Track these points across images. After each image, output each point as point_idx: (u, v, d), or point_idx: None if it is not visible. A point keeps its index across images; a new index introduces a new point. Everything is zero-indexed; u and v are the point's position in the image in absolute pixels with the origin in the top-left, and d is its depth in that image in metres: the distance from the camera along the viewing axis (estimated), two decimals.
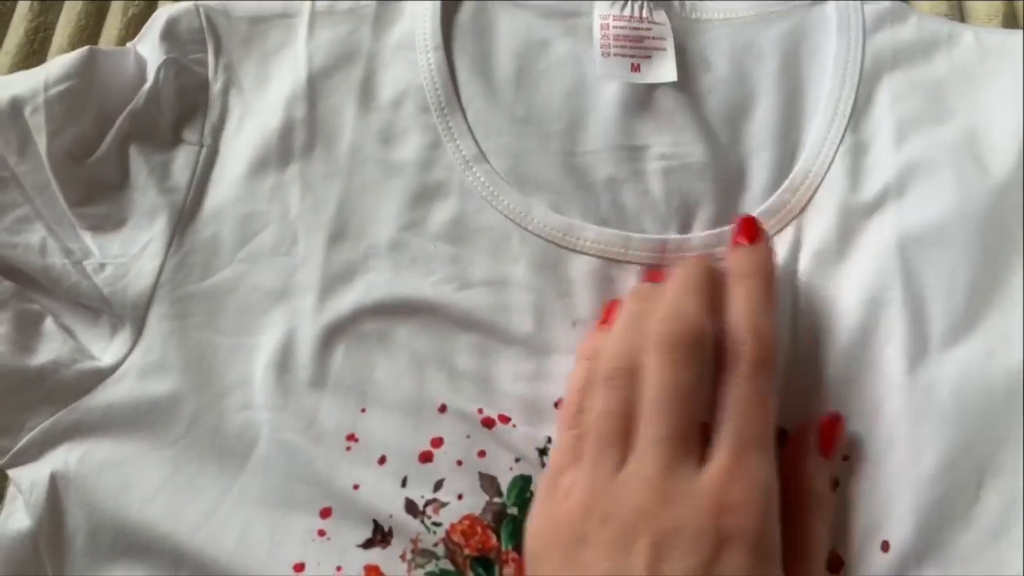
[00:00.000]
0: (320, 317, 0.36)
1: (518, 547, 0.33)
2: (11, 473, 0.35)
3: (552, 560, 0.30)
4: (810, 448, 0.33)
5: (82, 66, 0.36)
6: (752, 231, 0.35)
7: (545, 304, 0.36)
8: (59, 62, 0.37)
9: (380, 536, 0.33)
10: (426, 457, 0.35)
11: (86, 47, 0.37)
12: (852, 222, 0.36)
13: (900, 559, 0.32)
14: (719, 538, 0.28)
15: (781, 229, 0.36)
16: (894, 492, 0.33)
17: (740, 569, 0.28)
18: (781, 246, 0.36)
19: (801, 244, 0.36)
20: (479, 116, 0.38)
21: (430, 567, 0.33)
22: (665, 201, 0.37)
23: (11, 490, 0.35)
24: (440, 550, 0.33)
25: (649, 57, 0.38)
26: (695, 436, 0.30)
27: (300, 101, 0.37)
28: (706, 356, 0.31)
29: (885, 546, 0.33)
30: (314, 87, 0.37)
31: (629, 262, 0.36)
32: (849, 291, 0.35)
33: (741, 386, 0.30)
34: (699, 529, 0.28)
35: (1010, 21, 0.41)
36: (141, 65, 0.37)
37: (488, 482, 0.34)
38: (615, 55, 0.38)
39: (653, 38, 0.38)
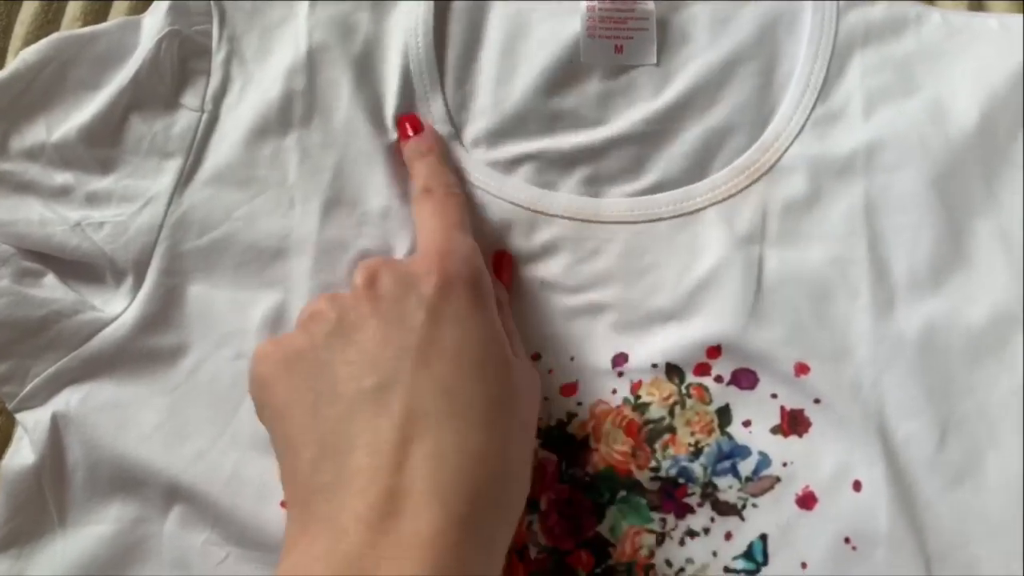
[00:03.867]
0: (315, 276, 0.37)
1: None
2: (18, 416, 0.36)
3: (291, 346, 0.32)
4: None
5: (52, 52, 0.38)
6: (415, 125, 0.39)
7: (519, 264, 0.38)
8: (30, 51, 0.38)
9: None
10: None
11: (53, 35, 0.39)
12: (820, 183, 0.38)
13: (870, 498, 0.33)
14: (441, 281, 0.31)
15: (749, 185, 0.38)
16: (862, 436, 0.34)
17: (465, 302, 0.31)
18: (750, 202, 0.38)
19: (769, 201, 0.38)
20: (464, 98, 0.40)
21: None
22: (638, 168, 0.39)
23: (18, 430, 0.37)
24: None
25: (632, 39, 0.40)
26: None
27: (300, 73, 0.39)
28: None
29: (856, 485, 0.34)
30: (313, 60, 0.39)
31: (600, 222, 0.38)
32: (817, 248, 0.37)
33: (438, 198, 0.36)
34: (422, 272, 0.32)
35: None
36: (145, 35, 0.39)
37: None
38: (600, 36, 0.40)
39: (636, 18, 0.40)
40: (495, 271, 0.37)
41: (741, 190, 0.38)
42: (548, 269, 0.37)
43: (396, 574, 0.26)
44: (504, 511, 0.30)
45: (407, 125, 0.39)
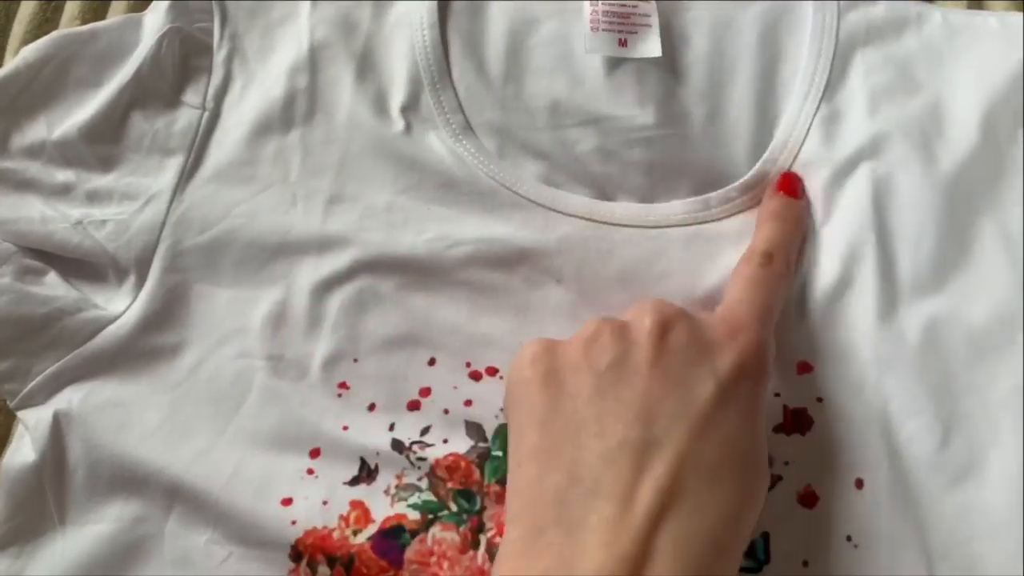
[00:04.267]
0: (317, 272, 0.37)
1: (500, 481, 0.35)
2: (19, 414, 0.36)
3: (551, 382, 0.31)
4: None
5: (52, 50, 0.38)
6: (791, 186, 0.37)
7: (532, 263, 0.37)
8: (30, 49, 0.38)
9: (366, 473, 0.35)
10: (414, 406, 0.36)
11: (54, 33, 0.39)
12: (829, 185, 0.38)
13: (872, 496, 0.33)
14: (736, 362, 0.30)
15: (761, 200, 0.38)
16: (866, 433, 0.34)
17: (750, 398, 0.30)
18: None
19: None
20: (470, 92, 0.40)
21: (413, 499, 0.34)
22: (649, 171, 0.39)
23: (19, 428, 0.37)
24: (423, 483, 0.34)
25: (635, 33, 0.40)
26: None
27: (302, 72, 0.39)
28: None
29: (859, 484, 0.34)
30: (315, 58, 0.39)
31: (615, 224, 0.38)
32: (829, 248, 0.37)
33: (766, 273, 0.34)
34: (715, 344, 0.31)
35: None
36: (147, 33, 0.39)
37: (474, 429, 0.36)
38: (604, 30, 0.40)
39: (640, 14, 0.40)
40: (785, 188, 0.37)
41: (756, 204, 0.38)
42: (560, 268, 0.37)
43: None
44: None
45: (785, 183, 0.37)
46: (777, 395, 0.35)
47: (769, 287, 0.34)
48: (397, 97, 0.39)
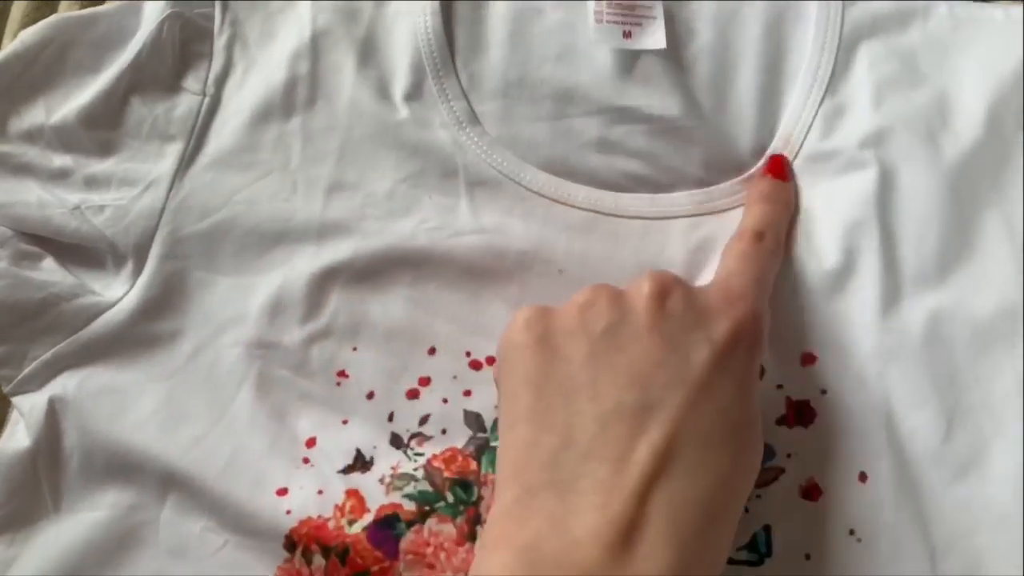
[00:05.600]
0: (316, 260, 0.37)
1: None
2: (14, 399, 0.36)
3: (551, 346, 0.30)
4: None
5: (51, 33, 0.38)
6: (779, 168, 0.37)
7: (534, 253, 0.37)
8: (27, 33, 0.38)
9: (361, 464, 0.34)
10: (413, 394, 0.36)
11: (53, 16, 0.38)
12: (832, 177, 0.37)
13: (876, 490, 0.33)
14: (732, 327, 0.30)
15: None
16: (869, 426, 0.34)
17: (746, 363, 0.30)
18: None
19: None
20: (473, 79, 0.39)
21: (408, 489, 0.34)
22: (653, 162, 0.39)
23: (14, 414, 0.36)
24: (419, 473, 0.34)
25: (640, 24, 0.40)
26: None
27: (303, 58, 0.39)
28: None
29: (862, 477, 0.34)
30: (317, 45, 0.39)
31: (619, 216, 0.38)
32: (830, 240, 0.36)
33: (757, 251, 0.34)
34: (713, 310, 0.30)
35: None
36: (146, 18, 0.39)
37: (472, 418, 0.36)
38: (608, 22, 0.40)
39: (644, 5, 0.40)
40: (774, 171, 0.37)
41: None
42: (562, 258, 0.37)
43: None
44: (717, 570, 0.29)
45: (773, 165, 0.38)
46: (780, 387, 0.35)
47: (761, 262, 0.34)
48: (400, 84, 0.39)
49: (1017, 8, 0.39)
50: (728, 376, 0.29)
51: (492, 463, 0.35)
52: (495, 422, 0.35)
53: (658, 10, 0.40)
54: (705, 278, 0.36)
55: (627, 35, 0.40)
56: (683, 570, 0.26)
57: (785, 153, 0.38)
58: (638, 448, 0.28)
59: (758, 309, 0.32)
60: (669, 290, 0.31)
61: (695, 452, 0.28)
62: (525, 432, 0.29)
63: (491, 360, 0.36)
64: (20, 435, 0.35)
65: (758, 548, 0.33)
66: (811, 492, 0.34)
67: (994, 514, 0.33)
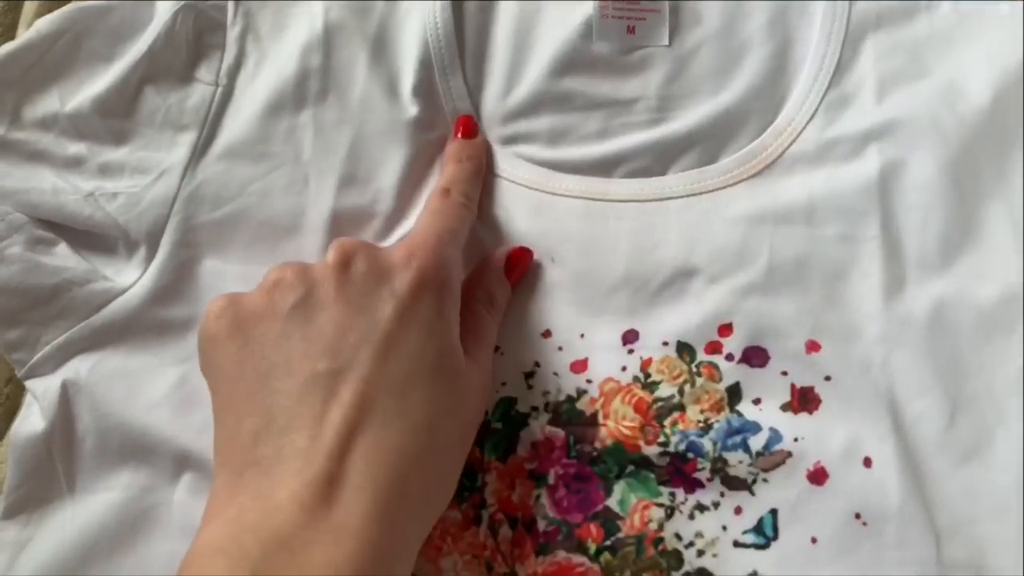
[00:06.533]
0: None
1: (500, 457, 0.35)
2: (28, 383, 0.36)
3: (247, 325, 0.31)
4: (496, 264, 0.37)
5: (66, 23, 0.38)
6: (470, 130, 0.39)
7: (530, 243, 0.38)
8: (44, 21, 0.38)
9: None
10: None
11: (68, 6, 0.39)
12: (833, 165, 0.38)
13: (881, 475, 0.34)
14: (413, 278, 0.31)
15: (762, 170, 0.38)
16: (873, 413, 0.35)
17: (431, 308, 0.31)
18: (762, 185, 0.38)
19: (782, 184, 0.38)
20: (478, 77, 0.40)
21: None
22: (653, 150, 0.39)
23: (28, 397, 0.37)
24: None
25: (644, 20, 0.40)
26: None
27: (316, 51, 0.39)
28: None
29: (867, 462, 0.34)
30: (330, 38, 0.39)
31: (610, 201, 0.38)
32: (830, 228, 0.37)
33: (442, 204, 0.36)
34: (390, 267, 0.32)
35: None
36: (160, 9, 0.39)
37: None
38: (612, 18, 0.40)
39: (648, 2, 0.40)
40: (510, 266, 0.37)
41: (753, 175, 0.38)
42: (558, 247, 0.38)
43: (320, 559, 0.26)
44: (427, 514, 0.31)
45: (461, 125, 0.39)
46: (785, 374, 0.35)
47: (447, 215, 0.35)
48: (408, 80, 0.39)
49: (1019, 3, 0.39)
50: (415, 323, 0.31)
51: (495, 448, 0.35)
52: (496, 404, 0.36)
53: (663, 6, 0.40)
54: (697, 256, 0.37)
55: (631, 31, 0.40)
56: (384, 514, 0.28)
57: (783, 139, 0.38)
58: (331, 412, 0.29)
59: (441, 255, 0.33)
60: (352, 255, 0.32)
61: (390, 402, 0.29)
62: (228, 421, 0.30)
63: (495, 348, 0.36)
64: (34, 418, 0.36)
65: (764, 532, 0.34)
66: (817, 476, 0.34)
67: (997, 501, 0.34)
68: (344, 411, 0.29)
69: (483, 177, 0.38)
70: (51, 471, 0.35)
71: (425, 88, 0.39)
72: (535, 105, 0.39)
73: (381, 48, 0.40)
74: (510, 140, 0.39)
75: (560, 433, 0.36)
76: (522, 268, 0.37)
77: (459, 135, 0.39)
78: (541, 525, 0.35)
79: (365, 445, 0.28)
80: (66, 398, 0.35)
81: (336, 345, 0.30)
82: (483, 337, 0.35)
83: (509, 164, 0.39)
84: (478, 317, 0.35)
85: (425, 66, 0.39)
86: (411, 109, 0.39)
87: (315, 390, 0.29)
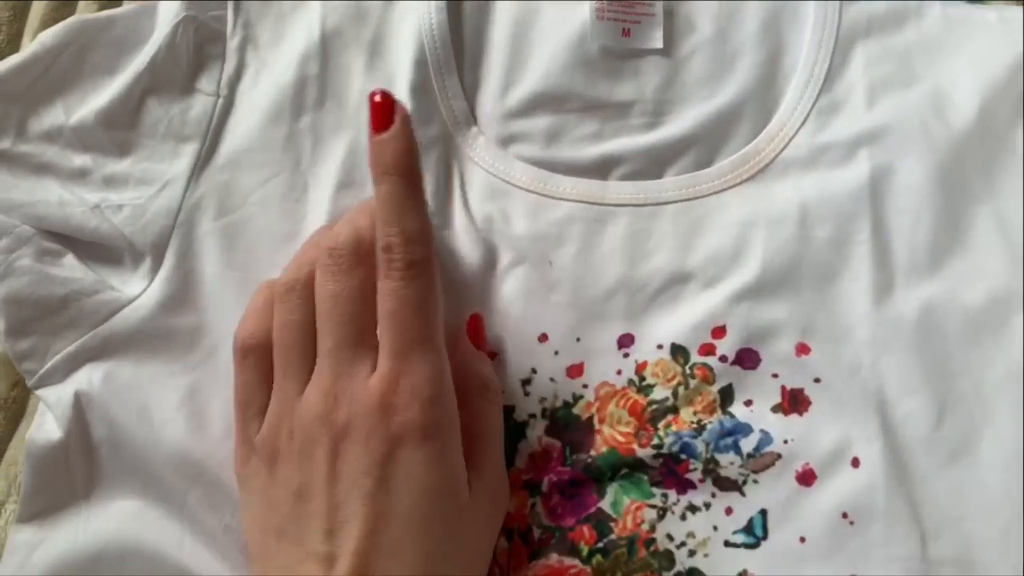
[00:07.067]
0: None
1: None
2: (39, 392, 0.37)
3: (254, 486, 0.33)
4: (466, 343, 0.35)
5: (70, 36, 0.39)
6: (383, 117, 0.32)
7: (526, 246, 0.38)
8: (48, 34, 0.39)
9: None
10: None
11: (71, 19, 0.39)
12: (824, 170, 0.38)
13: (868, 475, 0.35)
14: (390, 437, 0.30)
15: (754, 174, 0.39)
16: (861, 414, 0.35)
17: (415, 464, 0.30)
18: (755, 190, 0.38)
19: (773, 189, 0.38)
20: (475, 78, 0.40)
21: None
22: (646, 153, 0.39)
23: (40, 406, 0.37)
24: None
25: (639, 22, 0.41)
26: (367, 341, 0.31)
27: (313, 59, 0.40)
28: (370, 262, 0.32)
29: (855, 462, 0.35)
30: (327, 46, 0.40)
31: (606, 204, 0.39)
32: (821, 231, 0.38)
33: (394, 291, 0.31)
34: (369, 430, 0.30)
35: None
36: (161, 20, 0.40)
37: None
38: (608, 19, 0.41)
39: (644, 4, 0.41)
40: (472, 336, 0.36)
41: (746, 179, 0.39)
42: (554, 251, 0.38)
43: None
44: None
45: (372, 112, 0.32)
46: (775, 376, 0.36)
47: (398, 308, 0.31)
48: (403, 82, 0.40)
49: (1011, 10, 0.40)
50: (403, 485, 0.30)
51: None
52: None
53: (657, 9, 0.41)
54: (695, 262, 0.38)
55: (625, 33, 0.41)
56: None
57: (774, 144, 0.39)
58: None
59: (415, 384, 0.31)
60: (338, 401, 0.31)
61: (387, 567, 0.30)
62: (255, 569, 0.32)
63: (490, 354, 0.37)
64: (50, 426, 0.36)
65: (755, 532, 0.35)
66: (806, 477, 0.35)
67: (985, 500, 0.35)
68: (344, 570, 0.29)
69: (424, 188, 0.33)
70: (68, 479, 0.36)
71: (420, 89, 0.40)
72: (532, 105, 0.40)
73: (377, 52, 0.40)
74: (507, 140, 0.40)
75: (557, 444, 0.37)
76: (482, 333, 0.37)
77: (374, 129, 0.32)
78: (536, 533, 0.36)
79: None
80: (80, 408, 0.36)
81: (331, 508, 0.30)
82: (489, 437, 0.34)
83: (506, 166, 0.39)
84: (479, 415, 0.34)
85: (420, 66, 0.40)
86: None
87: (314, 568, 0.30)
